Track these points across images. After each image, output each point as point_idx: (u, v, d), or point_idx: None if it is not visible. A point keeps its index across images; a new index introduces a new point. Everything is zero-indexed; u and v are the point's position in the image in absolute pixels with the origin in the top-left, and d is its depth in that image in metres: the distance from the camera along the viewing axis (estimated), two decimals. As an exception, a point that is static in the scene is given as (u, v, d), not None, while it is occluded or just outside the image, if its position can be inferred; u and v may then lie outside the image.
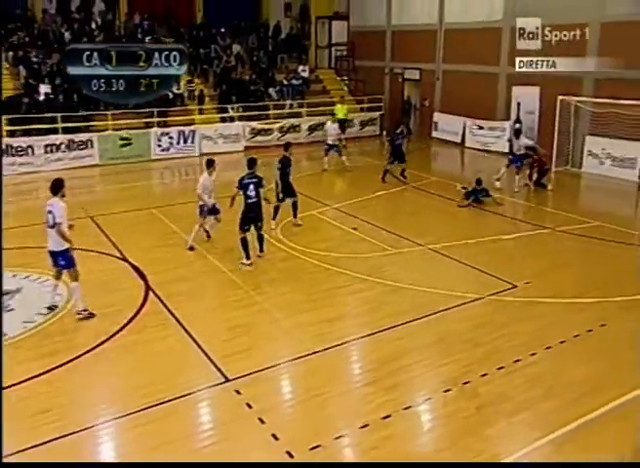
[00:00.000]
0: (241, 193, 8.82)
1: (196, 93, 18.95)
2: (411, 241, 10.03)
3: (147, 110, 17.47)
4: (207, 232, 9.92)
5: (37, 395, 5.77)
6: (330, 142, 15.35)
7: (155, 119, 17.57)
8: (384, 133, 21.29)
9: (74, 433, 5.21)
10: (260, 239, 9.07)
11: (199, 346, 6.63)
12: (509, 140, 14.12)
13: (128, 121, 17.13)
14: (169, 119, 17.89)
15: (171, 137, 17.50)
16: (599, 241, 10.04)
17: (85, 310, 7.22)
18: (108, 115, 16.97)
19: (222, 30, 21.65)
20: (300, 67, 21.55)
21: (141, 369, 6.28)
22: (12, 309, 7.43)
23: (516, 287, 8.17)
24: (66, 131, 16.09)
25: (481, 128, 18.27)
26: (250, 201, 8.77)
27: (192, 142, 17.79)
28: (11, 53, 17.84)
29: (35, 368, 6.15)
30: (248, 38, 22.27)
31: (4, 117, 15.15)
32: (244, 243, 8.89)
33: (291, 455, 4.97)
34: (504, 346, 6.65)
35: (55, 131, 16.01)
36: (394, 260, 9.30)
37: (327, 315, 7.42)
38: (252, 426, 5.35)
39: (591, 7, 14.84)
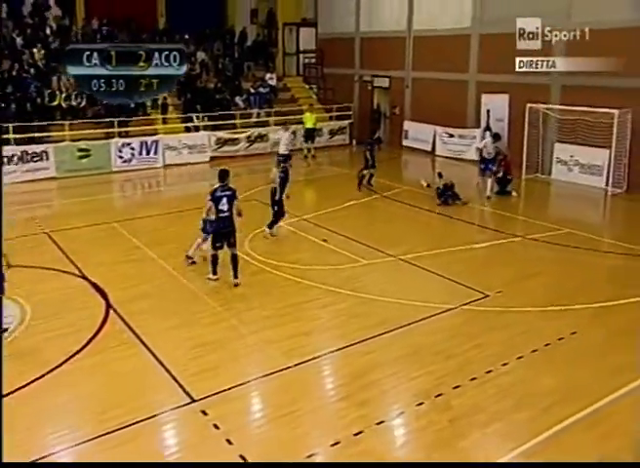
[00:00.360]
0: (213, 207, 8.56)
1: (159, 101, 18.86)
2: (382, 252, 10.17)
3: (107, 120, 17.32)
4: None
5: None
6: (283, 152, 15.09)
7: (116, 129, 17.41)
8: (354, 141, 21.60)
9: (33, 462, 5.10)
10: (235, 262, 8.69)
11: (163, 366, 6.58)
12: (479, 148, 14.54)
13: (86, 131, 16.91)
14: (130, 129, 17.75)
15: (132, 148, 17.36)
16: (569, 248, 10.37)
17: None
18: (65, 125, 16.74)
19: (186, 36, 21.66)
20: (268, 75, 21.70)
21: (103, 391, 6.20)
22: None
23: (488, 296, 8.37)
24: (20, 142, 15.81)
25: (451, 136, 18.70)
26: (222, 215, 8.52)
27: (155, 153, 17.69)
28: (-41, 60, 17.50)
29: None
30: (213, 45, 22.36)
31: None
32: (214, 260, 8.74)
33: (260, 476, 4.97)
34: (477, 357, 6.80)
35: (6, 142, 15.71)
36: (365, 272, 9.41)
37: (297, 330, 7.46)
38: (219, 448, 5.33)
39: (559, 14, 15.35)
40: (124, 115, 17.59)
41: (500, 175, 14.17)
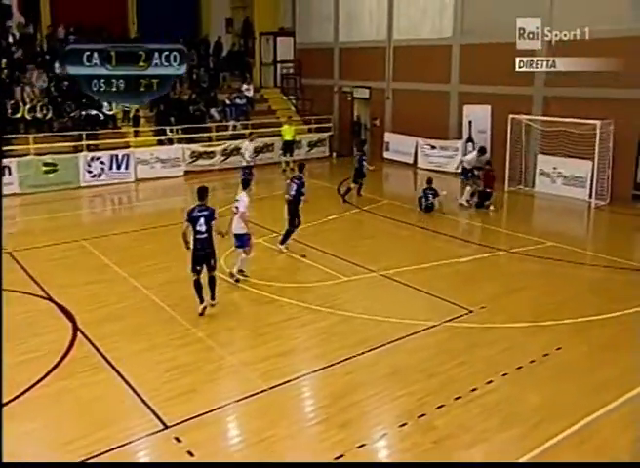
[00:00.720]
0: (190, 228, 8.29)
1: (131, 114, 18.86)
2: (363, 267, 10.25)
3: (75, 133, 17.23)
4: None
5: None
6: (245, 164, 15.32)
7: (84, 142, 17.32)
8: (334, 154, 21.79)
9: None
10: (212, 283, 8.54)
11: (134, 391, 6.53)
12: (463, 161, 14.90)
13: (53, 144, 16.81)
14: (100, 142, 17.68)
15: (102, 162, 17.28)
16: (553, 262, 10.58)
17: None
18: (30, 138, 16.62)
19: (159, 46, 21.70)
20: (244, 86, 21.84)
21: (70, 419, 6.11)
22: None
23: (471, 312, 8.49)
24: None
25: (433, 148, 18.99)
26: (200, 236, 8.26)
27: (127, 168, 17.63)
28: None
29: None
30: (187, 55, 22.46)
31: None
32: (197, 286, 8.40)
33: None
34: (460, 375, 6.88)
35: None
36: (346, 289, 9.47)
37: (275, 350, 7.47)
38: (194, 476, 5.30)
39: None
40: (93, 128, 17.53)
41: (481, 188, 14.45)
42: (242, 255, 9.54)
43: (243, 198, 9.44)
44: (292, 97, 23.88)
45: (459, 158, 15.45)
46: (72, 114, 17.77)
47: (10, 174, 15.89)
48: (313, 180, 17.82)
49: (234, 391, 6.61)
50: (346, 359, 7.19)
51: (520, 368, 7.00)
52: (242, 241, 9.50)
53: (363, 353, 7.33)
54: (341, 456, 5.53)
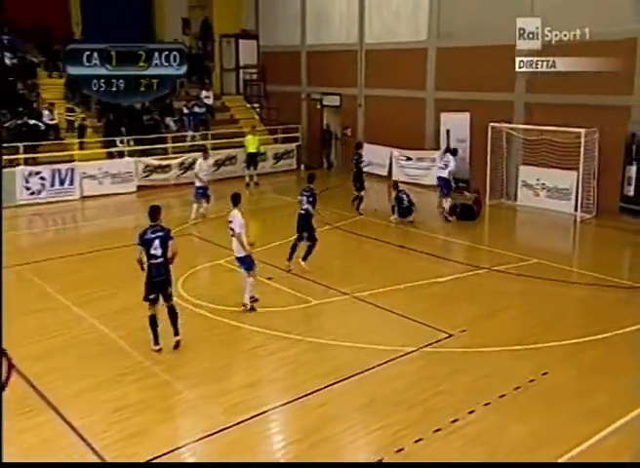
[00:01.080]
0: (143, 252, 8.07)
1: (76, 123, 18.74)
2: (335, 290, 10.35)
3: (11, 145, 16.97)
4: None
5: None
6: (200, 184, 14.82)
7: (22, 155, 17.08)
8: (302, 166, 21.97)
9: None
10: (173, 315, 8.26)
11: (78, 434, 6.43)
12: (451, 172, 15.32)
13: (-15, 158, 16.59)
14: (40, 155, 17.52)
15: (42, 178, 17.09)
16: (538, 280, 10.86)
17: None
18: (-43, 151, 16.36)
19: (107, 48, 21.71)
20: (203, 93, 21.96)
21: None
22: None
23: (451, 336, 8.65)
24: None
25: (409, 159, 19.34)
26: (155, 261, 8.01)
27: (71, 183, 17.48)
28: None
29: None
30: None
31: None
32: (153, 322, 8.12)
33: None
34: (440, 405, 7.00)
35: None
36: (316, 313, 9.56)
37: (240, 382, 7.49)
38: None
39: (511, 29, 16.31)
40: (32, 139, 17.30)
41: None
42: (248, 280, 9.45)
43: (237, 217, 9.33)
44: (256, 105, 24.09)
45: (449, 170, 15.76)
46: (7, 124, 17.55)
47: None
48: (280, 196, 18.01)
49: (194, 429, 6.59)
50: (318, 390, 7.23)
51: (504, 395, 7.14)
52: (247, 264, 9.47)
53: (335, 383, 7.39)
54: (312, 497, 5.56)
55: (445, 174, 15.20)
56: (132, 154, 18.78)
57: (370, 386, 7.41)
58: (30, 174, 16.93)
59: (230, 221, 9.38)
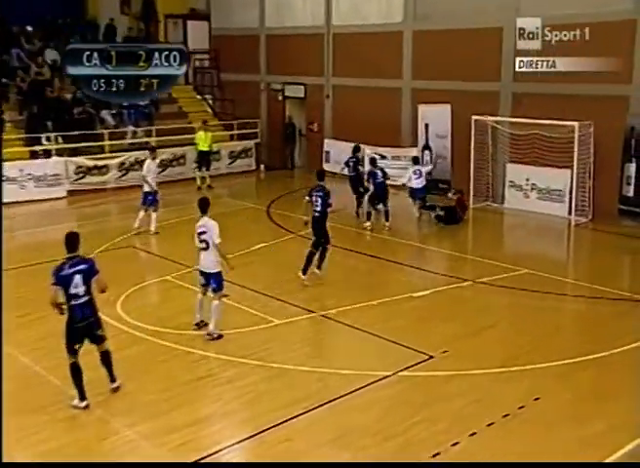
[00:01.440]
0: (61, 292, 7.44)
1: (-7, 117, 18.44)
2: (300, 307, 10.37)
3: None
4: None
5: None
6: (148, 189, 14.48)
7: None
8: (262, 167, 21.95)
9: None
10: (107, 361, 7.74)
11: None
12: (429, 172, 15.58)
13: None
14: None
15: (-50, 182, 16.75)
16: (528, 293, 11.03)
17: None
18: None
19: (29, 29, 21.34)
20: (146, 82, 21.83)
21: None
22: None
23: (432, 358, 8.71)
24: None
25: (383, 157, 19.42)
26: (76, 302, 7.37)
27: (-16, 188, 17.15)
28: None
29: None
30: (68, 41, 22.07)
31: None
32: (76, 372, 7.48)
33: None
34: (420, 436, 7.03)
35: None
36: (278, 334, 9.53)
37: (189, 417, 7.40)
38: None
39: (503, 11, 16.68)
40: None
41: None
42: (215, 302, 9.27)
43: (211, 226, 9.18)
44: (208, 97, 24.05)
45: (425, 170, 16.00)
46: None
47: None
48: (236, 200, 17.98)
49: (136, 473, 6.52)
50: (281, 423, 7.20)
51: (491, 424, 7.22)
52: (218, 282, 9.30)
53: (301, 414, 7.37)
54: None
55: (423, 182, 15.42)
56: (61, 153, 18.56)
57: (340, 417, 7.41)
58: None
59: (203, 232, 9.22)
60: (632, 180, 15.01)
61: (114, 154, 19.29)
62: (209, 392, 8.08)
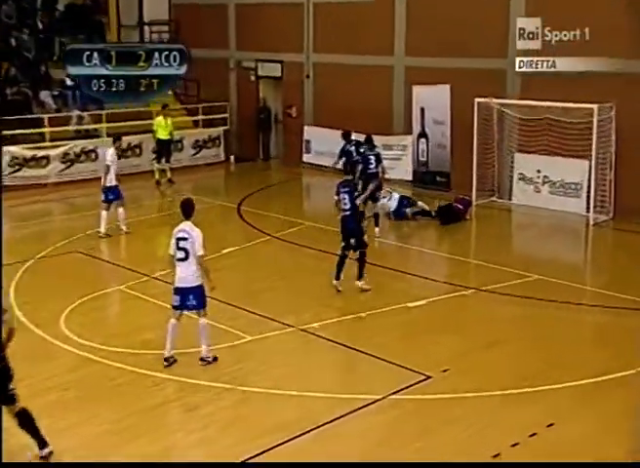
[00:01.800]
0: None
1: None
2: (275, 321, 10.33)
3: None
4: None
5: None
6: (110, 183, 14.36)
7: None
8: (232, 158, 21.89)
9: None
10: (27, 423, 6.98)
11: None
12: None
13: None
14: None
15: None
16: (541, 303, 11.08)
17: None
18: None
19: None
20: (95, 59, 21.69)
21: None
22: None
23: (429, 378, 8.71)
24: None
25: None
26: None
27: None
28: None
29: None
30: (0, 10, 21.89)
31: None
32: None
33: None
34: (417, 469, 7.05)
35: None
36: (251, 353, 9.50)
37: (148, 449, 7.34)
38: None
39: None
40: None
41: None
42: (202, 322, 9.14)
43: (195, 235, 8.98)
44: (168, 76, 23.92)
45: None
46: None
47: None
48: (202, 197, 17.81)
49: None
50: (253, 456, 7.13)
51: (497, 455, 7.18)
52: (198, 297, 9.13)
53: (278, 445, 7.31)
54: None
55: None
56: (-9, 142, 18.41)
57: (324, 447, 7.38)
58: None
59: (184, 238, 9.01)
60: (659, 173, 15.09)
61: (56, 143, 19.13)
62: (169, 421, 8.08)
